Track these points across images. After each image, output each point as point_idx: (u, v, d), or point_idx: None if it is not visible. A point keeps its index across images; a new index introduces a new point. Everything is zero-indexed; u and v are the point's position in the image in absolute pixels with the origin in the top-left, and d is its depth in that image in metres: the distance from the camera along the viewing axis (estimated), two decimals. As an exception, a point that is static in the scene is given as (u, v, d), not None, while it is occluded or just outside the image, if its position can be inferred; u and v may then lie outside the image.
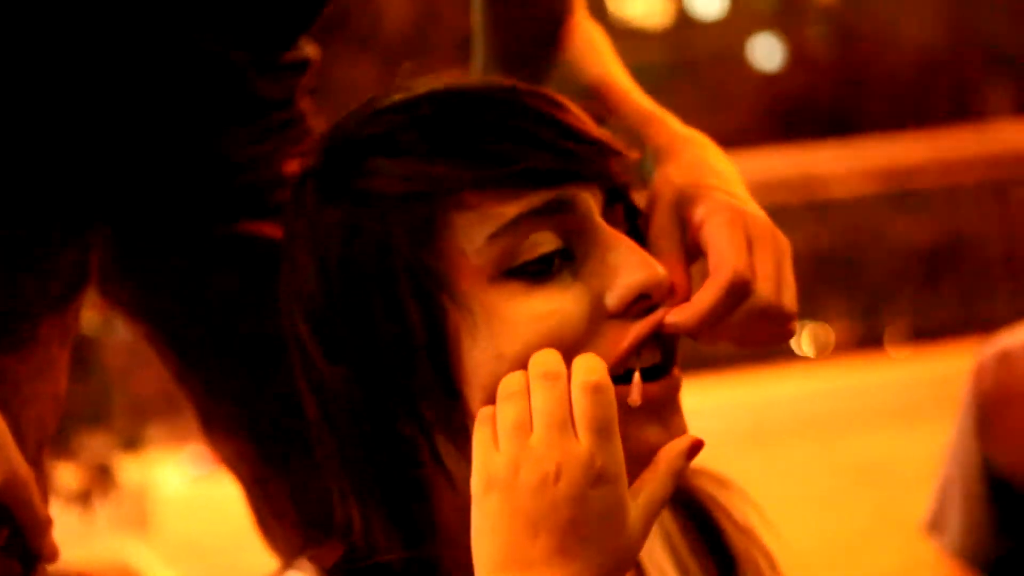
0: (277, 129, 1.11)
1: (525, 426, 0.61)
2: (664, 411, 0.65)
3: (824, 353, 6.69)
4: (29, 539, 0.88)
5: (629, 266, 0.66)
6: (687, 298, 0.69)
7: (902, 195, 7.62)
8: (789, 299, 0.71)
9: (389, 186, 0.69)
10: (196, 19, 0.96)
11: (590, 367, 0.62)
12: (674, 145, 0.80)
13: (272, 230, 1.06)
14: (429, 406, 0.68)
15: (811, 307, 6.97)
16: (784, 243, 0.73)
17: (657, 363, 0.66)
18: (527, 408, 0.61)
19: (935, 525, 1.42)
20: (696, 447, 0.62)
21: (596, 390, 0.61)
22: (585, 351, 0.63)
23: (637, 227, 0.73)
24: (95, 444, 4.12)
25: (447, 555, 0.72)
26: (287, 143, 1.10)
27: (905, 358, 6.28)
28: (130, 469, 4.62)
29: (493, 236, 0.66)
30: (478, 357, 0.67)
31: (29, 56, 0.95)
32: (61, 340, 1.04)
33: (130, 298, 1.15)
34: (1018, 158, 7.15)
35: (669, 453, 0.62)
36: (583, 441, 0.60)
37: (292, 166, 1.02)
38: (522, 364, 0.64)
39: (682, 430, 0.66)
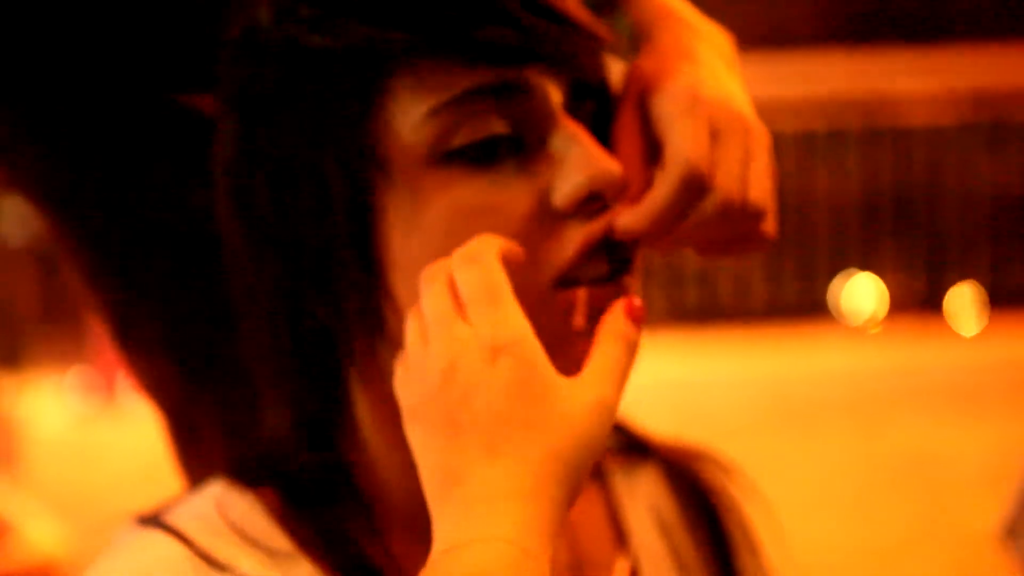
0: None
1: (426, 337, 0.68)
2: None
3: (873, 318, 6.77)
4: None
5: (580, 161, 0.71)
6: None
7: (992, 126, 7.52)
8: (758, 195, 0.76)
9: (330, 42, 0.74)
10: None
11: (469, 244, 0.68)
12: (656, 25, 0.85)
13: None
14: (348, 294, 0.75)
15: (861, 258, 7.06)
16: (760, 134, 0.79)
17: (604, 276, 0.72)
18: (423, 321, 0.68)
19: (1013, 532, 1.51)
20: (635, 308, 0.67)
21: (469, 260, 0.67)
22: (529, 253, 0.69)
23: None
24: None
25: (361, 461, 0.80)
26: None
27: (974, 330, 6.36)
28: (3, 395, 4.99)
29: (434, 111, 0.72)
30: (406, 246, 0.73)
31: None
32: None
33: (36, 176, 1.15)
34: None
35: (609, 319, 0.68)
36: (470, 319, 0.67)
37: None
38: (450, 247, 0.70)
39: None
